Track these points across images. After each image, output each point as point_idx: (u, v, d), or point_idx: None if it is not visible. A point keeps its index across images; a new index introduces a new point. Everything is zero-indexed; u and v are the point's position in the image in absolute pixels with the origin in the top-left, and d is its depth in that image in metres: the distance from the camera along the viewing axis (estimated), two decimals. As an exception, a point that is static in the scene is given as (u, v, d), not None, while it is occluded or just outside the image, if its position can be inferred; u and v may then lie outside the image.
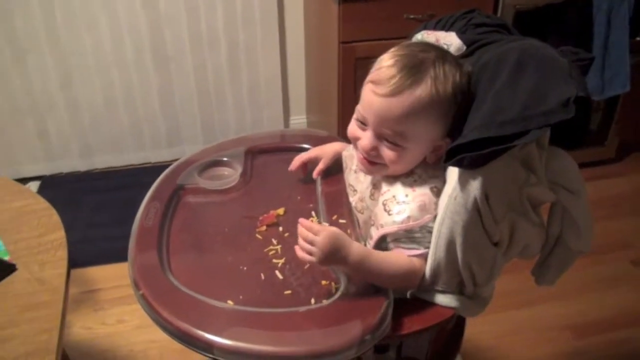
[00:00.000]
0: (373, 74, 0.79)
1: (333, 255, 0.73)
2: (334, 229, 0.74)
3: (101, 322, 1.61)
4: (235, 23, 2.17)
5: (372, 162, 0.82)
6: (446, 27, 0.88)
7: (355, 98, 1.89)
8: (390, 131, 0.77)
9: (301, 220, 0.75)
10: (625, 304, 1.66)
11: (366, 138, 0.80)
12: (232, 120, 2.37)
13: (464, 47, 0.81)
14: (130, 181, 2.24)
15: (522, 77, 0.69)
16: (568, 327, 1.59)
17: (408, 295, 0.83)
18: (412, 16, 1.79)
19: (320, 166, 1.02)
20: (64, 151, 2.24)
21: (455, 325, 0.95)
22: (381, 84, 0.76)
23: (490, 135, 0.66)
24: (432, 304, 0.80)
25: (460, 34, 0.82)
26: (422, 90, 0.75)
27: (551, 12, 1.84)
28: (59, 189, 2.16)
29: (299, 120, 2.54)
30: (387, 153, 0.79)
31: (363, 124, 0.81)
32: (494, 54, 0.75)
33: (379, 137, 0.79)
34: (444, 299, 0.79)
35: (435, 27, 0.89)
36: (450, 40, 0.81)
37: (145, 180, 2.36)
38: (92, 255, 1.83)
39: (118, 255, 1.81)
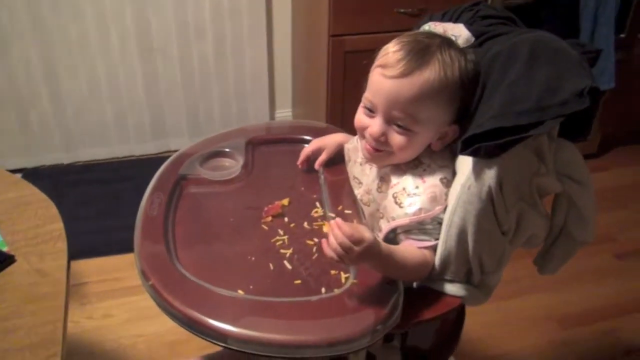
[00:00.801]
0: (381, 59, 0.79)
1: (363, 263, 0.72)
2: (371, 239, 0.69)
3: (88, 316, 1.59)
4: (222, 14, 2.14)
5: (378, 149, 0.82)
6: (452, 19, 0.89)
7: (344, 92, 1.92)
8: (401, 114, 0.77)
9: (339, 222, 0.69)
10: (610, 296, 1.71)
11: (375, 124, 0.80)
12: (217, 112, 2.35)
13: (473, 39, 0.81)
14: (115, 174, 2.21)
15: (536, 68, 0.70)
16: (555, 317, 1.63)
17: (414, 285, 0.84)
18: (402, 10, 1.80)
19: (323, 157, 1.01)
20: (46, 143, 2.19)
21: (457, 315, 0.96)
22: (390, 67, 0.77)
23: (506, 125, 0.66)
24: (440, 293, 0.81)
25: (468, 26, 0.83)
26: (431, 72, 0.76)
27: (538, 7, 1.87)
28: (42, 182, 2.08)
29: (284, 113, 2.53)
30: (397, 138, 0.79)
31: (371, 111, 0.81)
32: (505, 46, 0.75)
33: (389, 122, 0.79)
34: (452, 288, 0.80)
35: (442, 19, 0.89)
36: (459, 32, 0.82)
37: (129, 174, 2.34)
38: (77, 248, 1.77)
39: (104, 248, 1.81)
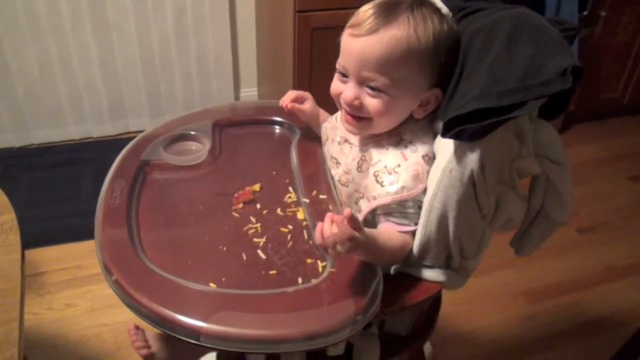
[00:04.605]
0: (351, 20, 0.77)
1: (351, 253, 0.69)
2: (362, 237, 0.66)
3: (48, 307, 1.52)
4: (182, -12, 2.05)
5: (357, 118, 0.79)
6: (428, -6, 0.85)
7: (311, 70, 1.87)
8: (371, 74, 0.75)
9: (338, 220, 0.64)
10: (573, 269, 1.76)
11: (348, 89, 0.78)
12: (179, 91, 2.25)
13: (450, 15, 0.78)
14: (71, 157, 2.11)
15: (518, 46, 0.67)
16: (522, 293, 1.66)
17: (392, 271, 0.82)
18: (370, -15, 1.75)
19: (301, 106, 0.95)
20: (-6, 126, 2.06)
21: (434, 299, 0.95)
22: (358, 26, 0.74)
23: (490, 105, 0.64)
24: (418, 279, 0.79)
25: (445, 1, 0.80)
26: (399, 29, 0.73)
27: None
28: (-10, 168, 1.99)
29: (249, 92, 2.46)
30: (371, 102, 0.77)
31: (344, 76, 0.78)
32: (485, 22, 0.72)
33: (361, 84, 0.77)
34: (431, 274, 0.78)
35: (417, -7, 0.86)
36: (436, 7, 0.78)
37: (87, 156, 2.24)
38: (33, 236, 1.71)
39: (62, 235, 1.73)
